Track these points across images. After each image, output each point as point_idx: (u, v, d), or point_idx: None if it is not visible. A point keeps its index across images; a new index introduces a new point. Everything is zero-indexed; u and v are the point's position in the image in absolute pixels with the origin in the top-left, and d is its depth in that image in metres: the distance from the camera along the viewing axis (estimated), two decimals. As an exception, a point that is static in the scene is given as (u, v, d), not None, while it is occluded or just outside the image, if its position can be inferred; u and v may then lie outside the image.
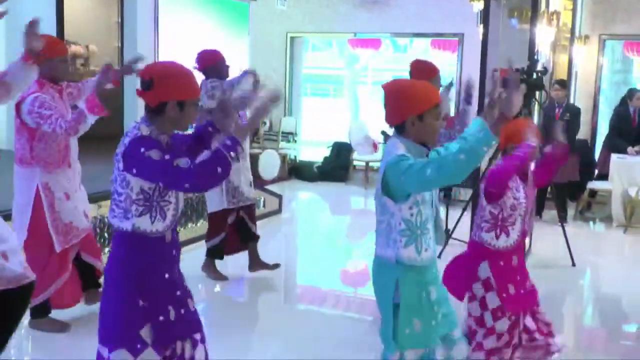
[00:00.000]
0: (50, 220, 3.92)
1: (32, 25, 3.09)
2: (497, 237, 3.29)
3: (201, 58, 5.06)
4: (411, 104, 2.49)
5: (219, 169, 2.34)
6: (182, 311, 2.60)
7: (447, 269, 3.45)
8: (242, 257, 5.39)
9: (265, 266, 5.37)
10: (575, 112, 7.85)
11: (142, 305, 2.48)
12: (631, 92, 8.40)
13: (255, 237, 5.35)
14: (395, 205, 2.52)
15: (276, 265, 5.40)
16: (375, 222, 2.66)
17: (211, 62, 5.03)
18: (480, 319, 3.36)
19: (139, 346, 2.46)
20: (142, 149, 2.36)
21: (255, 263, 5.37)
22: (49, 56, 3.93)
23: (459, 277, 3.40)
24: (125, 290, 2.48)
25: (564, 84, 8.03)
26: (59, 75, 4.00)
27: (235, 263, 5.49)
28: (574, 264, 6.01)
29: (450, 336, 2.72)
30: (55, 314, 4.15)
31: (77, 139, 4.06)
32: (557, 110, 7.83)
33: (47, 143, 3.89)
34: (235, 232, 5.30)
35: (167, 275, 2.57)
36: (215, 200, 5.14)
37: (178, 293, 2.61)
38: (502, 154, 3.39)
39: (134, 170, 2.39)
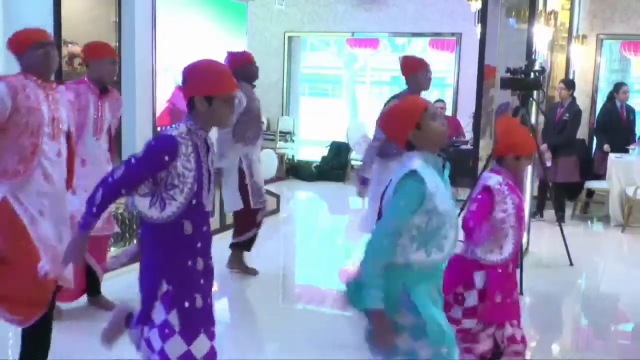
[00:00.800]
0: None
1: None
2: (491, 251, 3.21)
3: (230, 59, 4.95)
4: (403, 121, 2.52)
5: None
6: (208, 300, 2.63)
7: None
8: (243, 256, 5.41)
9: (246, 270, 5.36)
10: (574, 112, 7.74)
11: (167, 289, 2.52)
12: (617, 86, 8.38)
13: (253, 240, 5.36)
14: None
15: (255, 271, 5.38)
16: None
17: (240, 63, 4.92)
18: (469, 330, 3.24)
19: (167, 331, 2.50)
20: (152, 143, 2.51)
21: (239, 262, 5.37)
22: (98, 56, 3.96)
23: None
24: (152, 274, 2.55)
25: (569, 84, 7.90)
26: (105, 77, 4.00)
27: (233, 263, 5.49)
28: (571, 264, 6.01)
29: None
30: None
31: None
32: (559, 109, 7.82)
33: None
34: None
35: (189, 263, 2.57)
36: (230, 201, 5.09)
37: (202, 281, 2.61)
38: (498, 162, 3.28)
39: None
